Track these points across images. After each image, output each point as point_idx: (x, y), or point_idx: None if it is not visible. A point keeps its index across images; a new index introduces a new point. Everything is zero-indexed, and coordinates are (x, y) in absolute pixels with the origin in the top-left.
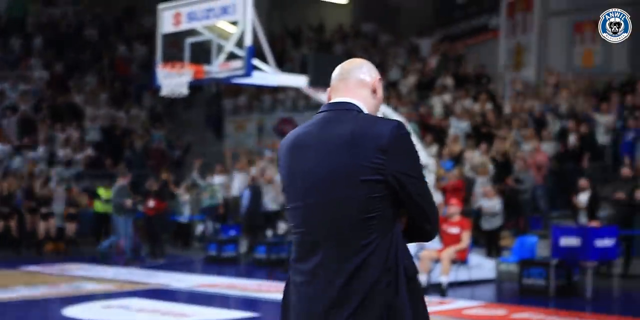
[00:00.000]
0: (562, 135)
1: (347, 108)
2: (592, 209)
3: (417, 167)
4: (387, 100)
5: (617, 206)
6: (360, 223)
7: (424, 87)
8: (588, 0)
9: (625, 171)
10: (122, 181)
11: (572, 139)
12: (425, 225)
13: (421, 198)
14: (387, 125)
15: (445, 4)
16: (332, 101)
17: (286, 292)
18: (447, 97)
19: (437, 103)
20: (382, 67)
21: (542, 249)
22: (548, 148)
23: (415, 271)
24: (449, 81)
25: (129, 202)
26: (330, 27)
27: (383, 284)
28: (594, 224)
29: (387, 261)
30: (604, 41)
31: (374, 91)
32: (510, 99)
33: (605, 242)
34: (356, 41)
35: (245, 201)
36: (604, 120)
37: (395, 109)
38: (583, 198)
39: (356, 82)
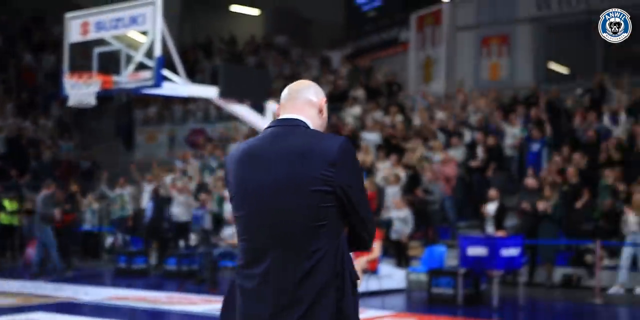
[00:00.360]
0: (471, 146)
1: (296, 124)
2: (499, 219)
3: (361, 181)
4: None
5: (523, 216)
6: (311, 230)
7: (336, 99)
8: (494, 15)
9: (530, 182)
10: (46, 191)
11: (480, 151)
12: (364, 234)
13: (363, 209)
14: (336, 140)
15: (356, 17)
16: (281, 117)
17: (230, 296)
18: (358, 109)
19: (349, 115)
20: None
21: (451, 259)
22: (456, 154)
23: (357, 277)
24: (360, 93)
25: (57, 212)
26: (243, 39)
27: (332, 288)
28: (500, 233)
29: (335, 267)
30: (509, 55)
31: (320, 111)
32: (420, 111)
33: (511, 252)
34: (268, 53)
35: (148, 212)
36: (512, 131)
37: None
38: (491, 208)
39: (304, 102)
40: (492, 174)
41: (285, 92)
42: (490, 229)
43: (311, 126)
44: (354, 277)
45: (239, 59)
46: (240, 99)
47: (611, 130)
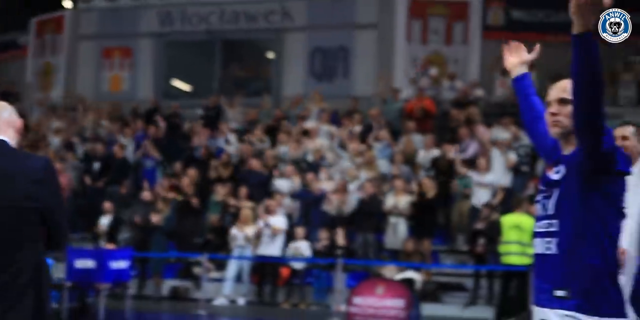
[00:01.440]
0: (87, 158)
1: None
2: (112, 232)
3: (62, 195)
4: None
5: (135, 229)
6: (13, 243)
7: None
8: (117, 27)
9: (145, 195)
10: None
11: (96, 163)
12: (62, 239)
13: (62, 220)
14: (40, 160)
15: None
16: None
17: None
18: None
19: None
20: None
21: (59, 272)
22: (69, 166)
23: (53, 284)
24: None
25: None
26: None
27: (30, 293)
28: (110, 246)
29: (35, 268)
30: (130, 69)
31: (17, 132)
32: (37, 120)
33: (120, 264)
34: None
35: None
36: (128, 144)
37: None
38: (105, 221)
39: (5, 122)
40: (108, 187)
41: None
42: (104, 241)
43: (11, 145)
44: (50, 284)
45: None
46: None
47: (224, 148)
